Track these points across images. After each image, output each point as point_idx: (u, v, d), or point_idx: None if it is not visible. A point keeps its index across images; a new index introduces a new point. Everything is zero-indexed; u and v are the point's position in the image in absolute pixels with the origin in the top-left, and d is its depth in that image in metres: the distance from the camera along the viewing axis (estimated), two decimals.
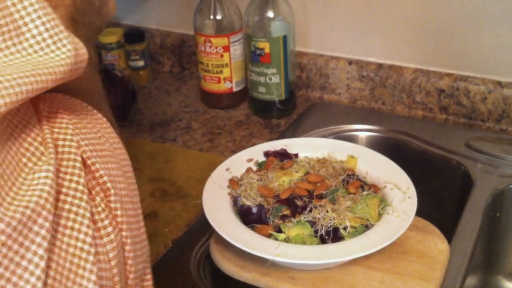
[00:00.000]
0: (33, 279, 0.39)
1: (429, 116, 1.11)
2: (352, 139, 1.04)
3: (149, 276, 0.55)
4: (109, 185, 0.48)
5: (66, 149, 0.46)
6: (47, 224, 0.41)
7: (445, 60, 1.08)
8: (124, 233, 0.49)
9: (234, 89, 1.16)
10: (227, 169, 0.84)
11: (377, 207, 0.76)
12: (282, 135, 1.06)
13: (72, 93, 0.52)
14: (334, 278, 0.72)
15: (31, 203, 0.40)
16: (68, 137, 0.47)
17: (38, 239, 0.40)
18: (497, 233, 0.93)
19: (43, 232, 0.41)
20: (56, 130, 0.47)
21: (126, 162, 0.54)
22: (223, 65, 1.13)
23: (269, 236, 0.73)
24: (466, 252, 0.78)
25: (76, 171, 0.46)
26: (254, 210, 0.75)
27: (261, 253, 0.69)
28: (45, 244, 0.40)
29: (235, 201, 0.78)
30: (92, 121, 0.51)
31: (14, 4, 0.42)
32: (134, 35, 1.27)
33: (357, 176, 0.82)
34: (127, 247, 0.49)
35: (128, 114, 1.15)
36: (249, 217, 0.75)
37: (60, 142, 0.46)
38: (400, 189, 0.79)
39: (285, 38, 1.06)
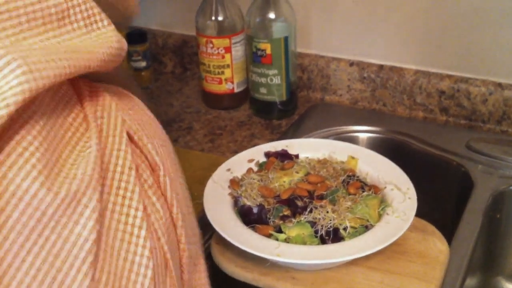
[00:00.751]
0: (82, 254, 0.39)
1: (429, 118, 1.11)
2: (352, 140, 1.04)
3: (202, 261, 0.54)
4: (157, 159, 0.47)
5: (112, 125, 0.46)
6: (95, 197, 0.40)
7: (446, 61, 1.08)
8: (174, 210, 0.48)
9: (236, 90, 1.16)
10: (228, 170, 0.84)
11: (377, 208, 0.76)
12: (283, 136, 1.06)
13: (103, 77, 0.52)
14: (334, 278, 0.72)
15: (76, 180, 0.40)
16: (113, 113, 0.46)
17: (87, 212, 0.39)
18: (497, 234, 0.93)
19: (91, 205, 0.40)
20: (99, 108, 0.47)
21: (169, 143, 0.53)
22: (224, 66, 1.14)
23: (270, 236, 0.73)
24: (466, 253, 0.78)
25: (123, 146, 0.45)
26: (255, 210, 0.75)
27: (261, 253, 0.69)
28: (94, 216, 0.39)
29: (235, 201, 0.79)
30: (131, 102, 0.51)
31: None
32: (136, 36, 1.28)
33: (358, 177, 0.83)
34: (179, 223, 0.48)
35: None
36: (249, 217, 0.75)
37: (105, 120, 0.46)
38: (400, 190, 0.79)
39: (286, 39, 1.06)
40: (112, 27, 0.46)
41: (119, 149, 0.45)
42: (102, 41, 0.44)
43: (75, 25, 0.43)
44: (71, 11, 0.43)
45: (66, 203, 0.38)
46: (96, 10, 0.45)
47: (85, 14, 0.44)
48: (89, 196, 0.40)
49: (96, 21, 0.44)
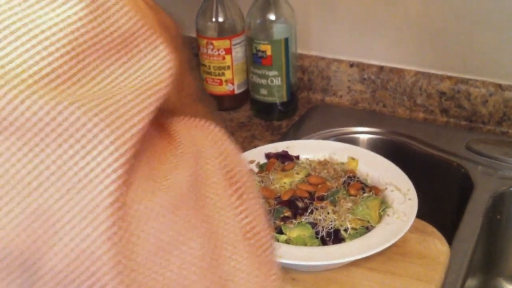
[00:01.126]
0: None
1: (430, 119, 1.11)
2: (353, 141, 1.04)
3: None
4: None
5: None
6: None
7: (446, 62, 1.08)
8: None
9: (236, 91, 1.17)
10: None
11: (378, 209, 0.76)
12: (284, 137, 1.06)
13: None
14: (334, 280, 0.72)
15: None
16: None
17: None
18: (497, 235, 0.93)
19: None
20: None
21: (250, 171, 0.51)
22: (225, 67, 1.14)
23: None
24: (466, 254, 0.78)
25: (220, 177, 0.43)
26: None
27: None
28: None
29: None
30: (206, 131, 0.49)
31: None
32: None
33: (358, 178, 0.83)
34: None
35: None
36: None
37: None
38: (400, 191, 0.79)
39: (286, 40, 1.06)
40: (164, 44, 0.42)
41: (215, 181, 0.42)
42: (157, 64, 0.41)
43: (137, 49, 0.39)
44: (135, 35, 0.39)
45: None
46: (152, 30, 0.41)
47: (145, 36, 0.39)
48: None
49: (153, 41, 0.41)
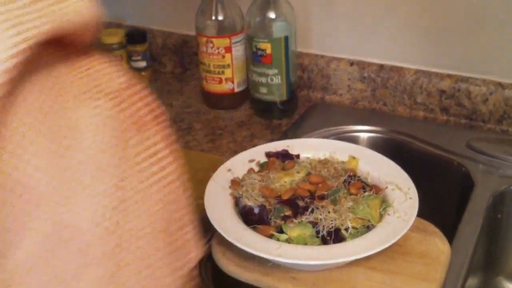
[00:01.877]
0: None
1: (430, 117, 1.11)
2: (353, 140, 1.04)
3: None
4: None
5: None
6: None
7: (446, 61, 1.08)
8: None
9: (236, 90, 1.16)
10: (229, 170, 0.84)
11: (379, 208, 0.76)
12: (284, 136, 1.06)
13: None
14: (335, 279, 0.72)
15: None
16: None
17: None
18: (498, 234, 0.93)
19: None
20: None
21: None
22: (224, 66, 1.14)
23: (271, 236, 0.73)
24: (467, 253, 0.78)
25: None
26: (256, 210, 0.75)
27: (262, 254, 0.69)
28: None
29: (236, 201, 0.79)
30: None
31: None
32: (136, 36, 1.27)
33: (359, 177, 0.82)
34: None
35: None
36: (250, 218, 0.75)
37: None
38: (401, 190, 0.79)
39: (286, 38, 1.06)
40: None
41: None
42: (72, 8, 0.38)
43: None
44: None
45: None
46: None
47: None
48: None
49: None
